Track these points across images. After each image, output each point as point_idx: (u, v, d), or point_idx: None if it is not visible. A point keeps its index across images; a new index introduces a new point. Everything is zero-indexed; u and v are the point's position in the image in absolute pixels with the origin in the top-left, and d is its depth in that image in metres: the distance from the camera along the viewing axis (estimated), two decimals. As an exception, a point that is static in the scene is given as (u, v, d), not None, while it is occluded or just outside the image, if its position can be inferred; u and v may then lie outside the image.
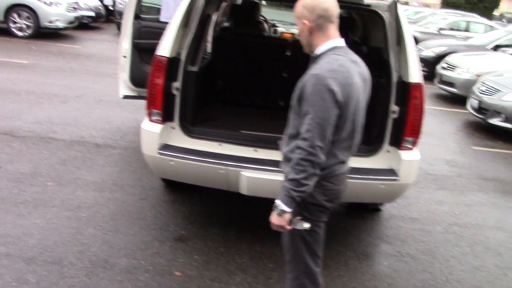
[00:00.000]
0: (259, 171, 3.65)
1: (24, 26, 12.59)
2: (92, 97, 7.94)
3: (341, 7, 4.25)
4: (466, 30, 17.62)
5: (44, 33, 12.93)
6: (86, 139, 6.06)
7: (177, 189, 4.80)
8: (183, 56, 3.80)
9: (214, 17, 6.03)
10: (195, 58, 3.91)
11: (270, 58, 4.80)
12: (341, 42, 2.46)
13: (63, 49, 11.87)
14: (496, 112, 8.17)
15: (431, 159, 6.80)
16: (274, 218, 2.39)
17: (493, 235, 4.72)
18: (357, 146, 2.60)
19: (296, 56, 4.93)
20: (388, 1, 3.92)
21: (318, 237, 2.63)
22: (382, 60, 3.97)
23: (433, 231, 4.67)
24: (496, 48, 12.69)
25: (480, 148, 7.69)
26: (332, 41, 2.43)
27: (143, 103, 6.76)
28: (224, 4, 5.86)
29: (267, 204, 4.03)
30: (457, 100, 10.51)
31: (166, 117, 3.81)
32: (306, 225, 2.46)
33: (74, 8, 13.62)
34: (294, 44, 5.39)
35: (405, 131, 3.75)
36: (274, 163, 3.70)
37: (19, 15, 12.53)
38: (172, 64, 3.73)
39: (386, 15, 3.89)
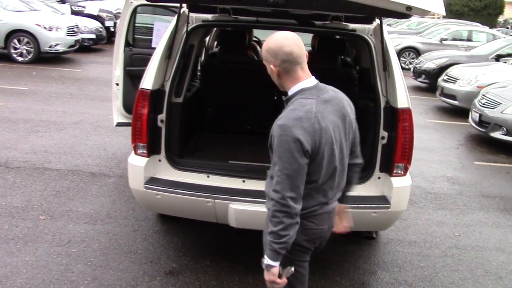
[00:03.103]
0: (247, 203, 3.58)
1: (24, 51, 12.67)
2: (90, 123, 7.93)
3: (327, 33, 4.22)
4: (468, 39, 17.54)
5: (45, 58, 13.00)
6: (81, 168, 6.02)
7: (170, 219, 4.73)
8: (167, 88, 3.76)
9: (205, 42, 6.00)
10: (179, 89, 3.87)
11: (259, 83, 4.75)
12: (310, 82, 2.36)
13: (64, 74, 11.92)
14: (497, 125, 8.05)
15: (431, 176, 6.69)
16: (265, 275, 2.35)
17: (494, 257, 4.60)
18: (342, 184, 2.53)
19: None
20: (373, 24, 3.87)
21: (302, 277, 2.55)
22: (371, 84, 3.91)
23: (432, 255, 4.56)
24: (498, 57, 12.57)
25: (482, 163, 7.57)
26: (300, 83, 2.34)
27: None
28: (215, 29, 5.84)
29: (260, 234, 3.97)
30: (459, 113, 10.40)
31: (152, 150, 3.76)
32: (292, 269, 2.41)
33: (75, 31, 13.69)
34: None
35: (396, 157, 3.67)
36: (262, 194, 3.64)
37: (19, 41, 12.63)
38: (156, 96, 3.70)
39: (372, 39, 3.83)
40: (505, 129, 7.93)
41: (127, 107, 5.84)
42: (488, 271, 4.36)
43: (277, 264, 2.30)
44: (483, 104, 8.48)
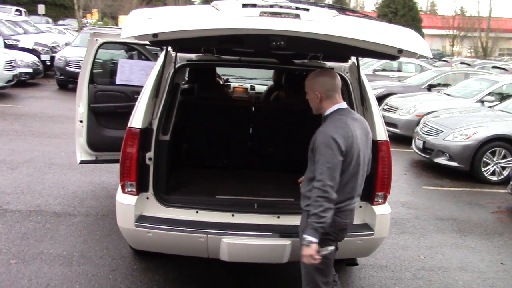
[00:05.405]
0: (238, 236, 3.66)
1: (-41, 87, 12.13)
2: (42, 161, 7.70)
3: (305, 70, 4.44)
4: (399, 70, 18.51)
5: (-19, 94, 12.50)
6: (43, 208, 5.85)
7: (147, 256, 4.68)
8: (155, 126, 3.81)
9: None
10: (166, 126, 3.92)
11: (236, 118, 4.88)
12: (344, 105, 3.15)
13: (4, 110, 11.49)
14: (441, 152, 8.58)
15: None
16: (304, 250, 2.89)
17: (460, 276, 4.91)
18: (361, 186, 3.21)
19: (260, 113, 5.00)
20: (349, 62, 4.13)
21: (330, 262, 3.16)
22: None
23: (404, 278, 4.80)
24: (430, 87, 13.43)
25: (430, 188, 8.03)
26: (337, 105, 3.12)
27: (98, 165, 6.64)
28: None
29: (241, 267, 4.04)
30: (401, 140, 10.94)
31: (141, 188, 3.77)
32: (330, 248, 3.04)
33: (12, 66, 13.25)
34: (256, 102, 5.54)
35: (376, 187, 3.89)
36: (252, 227, 3.75)
37: (-46, 76, 12.09)
38: (144, 134, 3.73)
39: (348, 77, 4.08)
40: (448, 154, 8.48)
41: (91, 144, 5.77)
42: (457, 290, 4.65)
43: (317, 241, 2.85)
44: (426, 132, 9.03)
